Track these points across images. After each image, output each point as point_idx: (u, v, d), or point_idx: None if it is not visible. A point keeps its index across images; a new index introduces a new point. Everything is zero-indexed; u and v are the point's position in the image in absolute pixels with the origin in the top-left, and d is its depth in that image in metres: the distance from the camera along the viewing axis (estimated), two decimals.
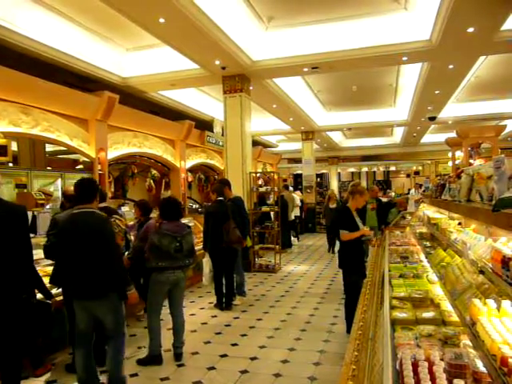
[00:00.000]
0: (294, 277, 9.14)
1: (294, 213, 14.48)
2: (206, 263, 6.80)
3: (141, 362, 4.65)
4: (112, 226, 4.03)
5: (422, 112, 14.39)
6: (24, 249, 3.46)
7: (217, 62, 8.75)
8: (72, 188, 4.70)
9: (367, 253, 7.09)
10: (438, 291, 3.38)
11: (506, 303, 2.07)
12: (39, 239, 5.74)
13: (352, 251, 5.18)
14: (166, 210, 4.87)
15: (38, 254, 5.39)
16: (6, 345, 3.34)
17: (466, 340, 2.37)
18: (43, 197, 6.88)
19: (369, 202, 10.21)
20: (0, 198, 3.40)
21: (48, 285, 4.75)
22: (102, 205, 5.44)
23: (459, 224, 4.12)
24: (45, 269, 5.41)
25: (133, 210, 8.41)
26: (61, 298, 4.79)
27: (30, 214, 6.12)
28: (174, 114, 12.39)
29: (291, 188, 15.72)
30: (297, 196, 15.42)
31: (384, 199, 11.42)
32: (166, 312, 5.00)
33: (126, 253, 5.55)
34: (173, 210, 4.89)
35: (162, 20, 6.71)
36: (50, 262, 5.51)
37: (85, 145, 8.49)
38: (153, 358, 4.64)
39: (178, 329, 4.83)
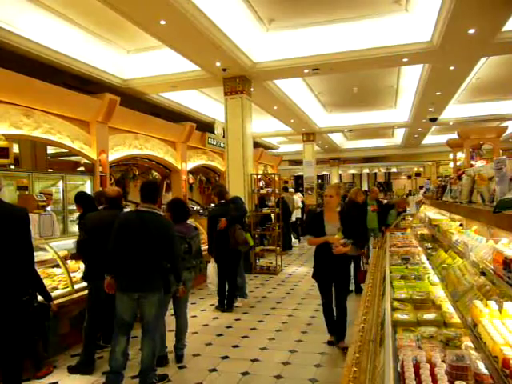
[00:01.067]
0: (295, 278, 9.12)
1: (295, 214, 14.47)
2: (212, 267, 6.80)
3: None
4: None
5: (423, 113, 14.39)
6: (25, 251, 3.46)
7: (218, 64, 8.76)
8: (111, 190, 4.88)
9: (368, 254, 7.11)
10: (439, 293, 3.37)
11: (507, 305, 2.07)
12: (40, 241, 5.75)
13: (316, 254, 5.10)
14: (174, 211, 4.88)
15: (38, 255, 5.42)
16: (6, 347, 3.34)
17: (467, 342, 2.36)
18: (44, 199, 6.88)
19: (369, 204, 10.22)
20: (1, 200, 3.40)
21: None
22: (101, 207, 5.47)
23: (460, 225, 4.11)
24: (47, 270, 5.42)
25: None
26: (61, 300, 4.81)
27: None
28: (175, 115, 12.41)
29: (291, 189, 15.70)
30: (297, 198, 15.41)
31: (385, 201, 11.40)
32: (169, 313, 5.00)
33: None
34: (181, 211, 4.91)
35: (162, 22, 6.73)
36: (51, 263, 5.55)
37: (86, 147, 8.50)
38: (158, 359, 4.61)
39: (181, 330, 4.82)
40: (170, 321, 5.15)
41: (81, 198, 5.33)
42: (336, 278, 4.89)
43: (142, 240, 3.92)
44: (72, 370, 4.45)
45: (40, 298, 4.02)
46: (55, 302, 4.83)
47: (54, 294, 4.91)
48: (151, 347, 4.01)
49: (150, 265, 3.94)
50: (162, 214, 4.16)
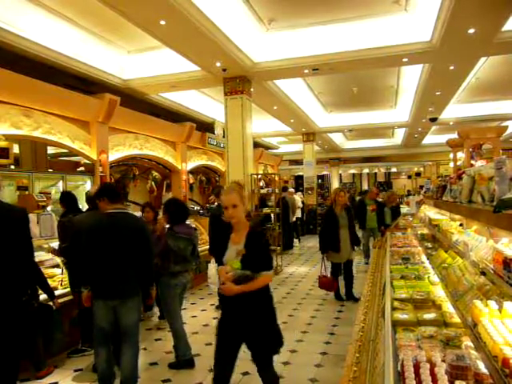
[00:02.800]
0: (295, 278, 9.13)
1: (296, 214, 14.48)
2: (214, 267, 6.80)
3: (173, 367, 4.61)
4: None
5: (423, 113, 14.38)
6: (24, 251, 3.46)
7: (218, 64, 8.75)
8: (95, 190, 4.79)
9: (369, 253, 7.10)
10: (439, 292, 3.38)
11: (507, 304, 2.07)
12: (40, 241, 5.76)
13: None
14: (175, 212, 4.77)
15: (38, 256, 5.42)
16: (2, 347, 3.31)
17: (467, 341, 2.36)
18: (44, 199, 6.88)
19: (368, 204, 10.24)
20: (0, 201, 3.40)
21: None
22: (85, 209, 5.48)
23: (461, 225, 4.11)
24: (46, 270, 5.42)
25: (135, 213, 8.42)
26: (61, 300, 4.81)
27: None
28: (175, 115, 12.41)
29: (291, 189, 15.71)
30: (298, 198, 15.42)
31: (379, 199, 11.39)
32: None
33: None
34: (182, 211, 4.84)
35: (162, 22, 6.72)
36: (52, 263, 5.55)
37: (86, 147, 8.50)
38: (185, 363, 4.60)
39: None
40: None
41: (65, 197, 5.33)
42: (246, 335, 3.15)
43: (117, 244, 3.70)
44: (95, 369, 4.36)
45: (42, 297, 4.03)
46: (59, 300, 4.86)
47: (56, 292, 4.94)
48: (133, 354, 3.84)
49: (127, 269, 3.73)
50: (132, 213, 3.98)
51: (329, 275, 6.98)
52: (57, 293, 4.89)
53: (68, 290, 5.10)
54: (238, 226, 3.16)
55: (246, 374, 4.40)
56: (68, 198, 5.31)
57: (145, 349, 5.14)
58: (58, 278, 5.36)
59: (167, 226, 4.78)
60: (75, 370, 4.61)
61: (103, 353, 3.78)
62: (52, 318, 4.33)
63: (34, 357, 4.39)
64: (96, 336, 3.81)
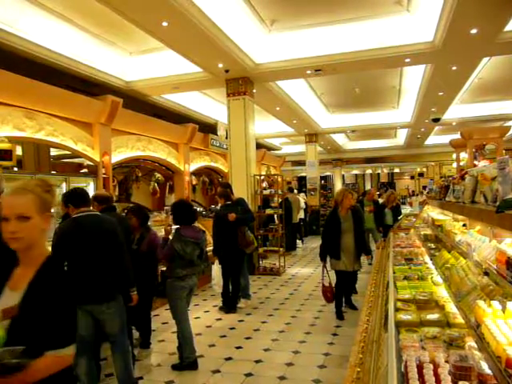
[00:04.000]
0: (298, 279, 9.12)
1: (299, 215, 14.47)
2: (217, 269, 6.82)
3: (176, 368, 4.61)
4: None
5: (426, 114, 14.35)
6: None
7: (220, 65, 8.77)
8: (102, 192, 4.75)
9: (372, 254, 6.97)
10: (442, 293, 3.37)
11: (510, 304, 2.06)
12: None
13: None
14: (182, 214, 4.71)
15: None
16: None
17: (470, 342, 2.36)
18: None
19: (366, 205, 10.27)
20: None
21: None
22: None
23: (464, 225, 4.11)
24: None
25: None
26: None
27: None
28: (177, 117, 12.42)
29: (296, 190, 15.73)
30: (301, 198, 15.42)
31: (381, 200, 11.41)
32: (169, 315, 5.00)
33: None
34: (189, 213, 4.76)
35: (164, 24, 6.74)
36: None
37: (89, 149, 8.52)
38: (189, 365, 4.60)
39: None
40: (172, 323, 5.15)
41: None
42: None
43: (92, 246, 3.55)
44: None
45: None
46: None
47: None
48: (123, 360, 3.80)
49: (105, 271, 3.60)
50: (99, 214, 3.87)
51: (326, 284, 6.24)
52: None
53: None
54: (25, 255, 1.81)
55: (249, 375, 4.40)
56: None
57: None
58: None
59: (174, 227, 4.76)
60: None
61: (83, 364, 3.58)
62: None
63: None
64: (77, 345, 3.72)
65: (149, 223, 5.50)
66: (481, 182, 2.93)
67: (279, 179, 11.55)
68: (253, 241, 6.93)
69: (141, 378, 4.41)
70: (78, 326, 3.36)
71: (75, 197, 3.78)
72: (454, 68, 9.45)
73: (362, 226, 6.45)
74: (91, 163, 8.85)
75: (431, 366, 1.96)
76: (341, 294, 6.36)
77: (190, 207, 4.89)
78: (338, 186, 25.46)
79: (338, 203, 6.34)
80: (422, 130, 17.96)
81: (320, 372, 4.42)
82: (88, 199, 3.87)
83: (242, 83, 9.72)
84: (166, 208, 10.42)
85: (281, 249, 10.05)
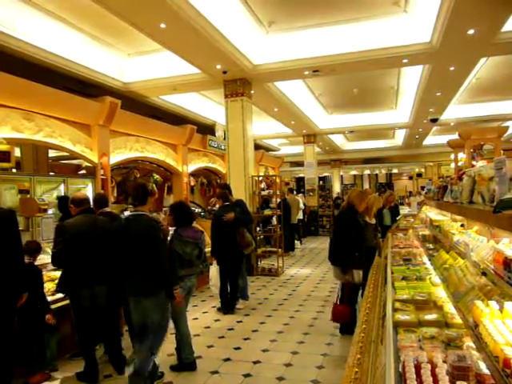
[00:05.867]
0: (296, 280, 9.13)
1: (298, 216, 14.48)
2: (215, 269, 6.81)
3: (175, 369, 4.61)
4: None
5: (424, 114, 14.38)
6: (14, 253, 3.47)
7: (218, 67, 8.78)
8: (79, 194, 4.76)
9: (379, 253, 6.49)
10: (440, 293, 3.37)
11: (508, 305, 2.07)
12: (43, 244, 5.75)
13: None
14: (180, 215, 4.75)
15: (41, 259, 5.42)
16: None
17: (468, 342, 2.36)
18: (46, 202, 6.89)
19: None
20: None
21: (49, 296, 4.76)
22: (105, 210, 5.45)
23: (461, 226, 4.12)
24: (49, 273, 5.42)
25: None
26: (63, 302, 4.81)
27: None
28: (175, 118, 12.42)
29: (294, 191, 15.76)
30: (300, 199, 15.43)
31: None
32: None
33: None
34: (188, 214, 4.81)
35: (162, 25, 6.74)
36: (54, 267, 5.53)
37: (87, 150, 8.51)
38: (188, 365, 4.60)
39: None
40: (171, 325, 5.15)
41: (61, 202, 5.36)
42: None
43: (132, 244, 3.84)
44: (79, 377, 4.36)
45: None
46: (58, 304, 4.86)
47: (56, 296, 4.93)
48: (144, 353, 3.87)
49: (144, 267, 3.82)
50: (147, 213, 3.99)
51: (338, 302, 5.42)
52: (59, 295, 4.91)
53: None
54: None
55: (247, 375, 4.40)
56: (64, 203, 5.32)
57: None
58: None
59: (172, 228, 4.77)
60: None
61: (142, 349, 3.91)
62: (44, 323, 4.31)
63: (28, 362, 4.27)
64: (135, 332, 4.04)
65: None
66: (478, 183, 2.93)
67: (277, 180, 11.55)
68: (251, 242, 6.94)
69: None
70: (132, 316, 3.83)
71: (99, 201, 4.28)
72: (452, 68, 9.48)
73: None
74: (89, 164, 8.83)
75: (429, 366, 1.96)
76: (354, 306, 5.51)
77: (188, 208, 4.95)
78: (337, 186, 25.49)
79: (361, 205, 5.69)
80: (420, 130, 18.00)
81: (318, 372, 4.42)
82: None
83: (239, 84, 9.73)
84: (164, 209, 10.42)
85: (279, 249, 10.06)
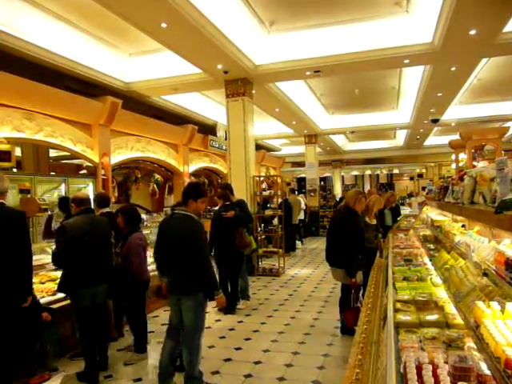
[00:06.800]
0: (297, 280, 9.12)
1: (299, 216, 14.49)
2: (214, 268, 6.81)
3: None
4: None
5: (425, 114, 14.37)
6: (22, 254, 3.46)
7: (219, 67, 8.77)
8: (80, 194, 4.77)
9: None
10: (441, 294, 3.37)
11: (509, 305, 2.06)
12: (43, 244, 5.76)
13: None
14: None
15: (41, 259, 5.43)
16: None
17: (470, 343, 2.35)
18: (47, 202, 6.90)
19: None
20: (3, 204, 3.42)
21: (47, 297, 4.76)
22: (105, 210, 5.46)
23: (463, 226, 4.11)
24: (49, 273, 5.43)
25: None
26: (64, 303, 4.80)
27: None
28: (176, 118, 12.43)
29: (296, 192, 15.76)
30: (301, 199, 15.43)
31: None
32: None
33: None
34: None
35: (164, 25, 6.74)
36: (54, 267, 5.53)
37: (88, 150, 8.52)
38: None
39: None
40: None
41: (62, 202, 5.36)
42: None
43: (173, 242, 3.95)
44: (79, 378, 4.34)
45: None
46: (58, 304, 4.86)
47: (56, 296, 4.94)
48: (187, 356, 3.99)
49: (183, 267, 3.93)
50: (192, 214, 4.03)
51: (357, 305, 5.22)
52: (60, 295, 4.90)
53: None
54: None
55: (248, 376, 4.40)
56: (65, 203, 5.33)
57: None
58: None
59: None
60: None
61: (168, 346, 4.07)
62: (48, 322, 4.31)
63: (28, 362, 4.26)
64: (167, 330, 4.16)
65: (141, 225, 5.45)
66: (479, 183, 2.92)
67: (279, 180, 11.55)
68: (250, 242, 6.92)
69: (139, 379, 4.41)
70: (170, 314, 4.05)
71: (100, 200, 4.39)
72: (453, 69, 9.46)
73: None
74: (90, 164, 8.85)
75: (430, 366, 1.95)
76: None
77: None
78: (338, 187, 25.48)
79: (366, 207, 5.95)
80: (421, 130, 17.98)
81: (319, 373, 4.41)
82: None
83: (241, 84, 9.73)
84: (165, 209, 10.42)
85: (280, 250, 10.05)
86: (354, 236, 5.32)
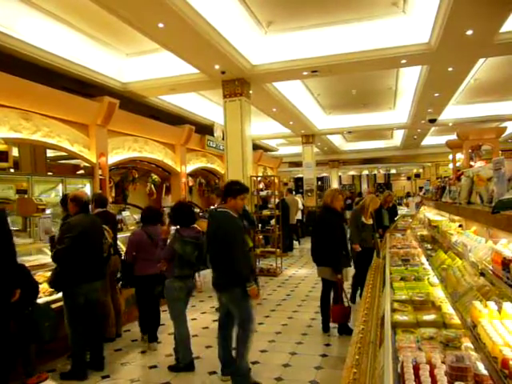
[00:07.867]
0: (295, 280, 9.12)
1: (297, 216, 14.49)
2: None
3: (173, 369, 4.61)
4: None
5: (422, 114, 14.39)
6: (4, 250, 3.48)
7: (216, 67, 8.76)
8: (81, 193, 4.80)
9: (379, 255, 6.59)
10: (439, 294, 3.38)
11: (506, 305, 2.07)
12: (40, 245, 5.74)
13: None
14: (182, 215, 4.75)
15: (38, 259, 5.42)
16: None
17: (467, 342, 2.36)
18: (44, 202, 6.88)
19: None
20: None
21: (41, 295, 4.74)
22: (99, 210, 5.47)
23: (460, 226, 4.11)
24: (46, 274, 5.40)
25: (134, 216, 8.42)
26: (61, 303, 4.78)
27: None
28: (174, 118, 12.41)
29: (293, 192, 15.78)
30: (298, 199, 15.45)
31: None
32: (166, 316, 5.00)
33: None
34: (189, 215, 4.81)
35: (161, 25, 6.73)
36: (50, 267, 5.51)
37: (85, 150, 8.50)
38: (186, 366, 4.59)
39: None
40: (169, 324, 5.14)
41: (65, 200, 5.37)
42: None
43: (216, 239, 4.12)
44: (64, 377, 4.35)
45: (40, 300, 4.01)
46: (56, 305, 4.83)
47: (53, 297, 4.92)
48: (238, 347, 4.16)
49: (220, 264, 4.11)
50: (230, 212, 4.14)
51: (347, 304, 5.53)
52: (57, 296, 4.88)
53: None
54: None
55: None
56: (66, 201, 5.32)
57: (144, 352, 5.14)
58: None
59: (173, 228, 4.79)
60: None
61: (220, 338, 4.34)
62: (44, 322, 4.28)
63: (25, 362, 4.23)
64: (218, 322, 4.42)
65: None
66: (476, 183, 2.93)
67: (276, 180, 11.54)
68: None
69: (138, 380, 4.40)
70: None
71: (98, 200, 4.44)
72: (450, 69, 9.48)
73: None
74: (88, 164, 8.83)
75: (428, 366, 1.95)
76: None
77: (189, 208, 4.96)
78: (335, 187, 25.47)
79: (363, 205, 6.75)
80: (419, 130, 18.02)
81: (317, 373, 4.42)
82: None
83: (238, 84, 9.72)
84: (164, 209, 10.40)
85: (278, 250, 10.05)
86: (335, 232, 5.42)
